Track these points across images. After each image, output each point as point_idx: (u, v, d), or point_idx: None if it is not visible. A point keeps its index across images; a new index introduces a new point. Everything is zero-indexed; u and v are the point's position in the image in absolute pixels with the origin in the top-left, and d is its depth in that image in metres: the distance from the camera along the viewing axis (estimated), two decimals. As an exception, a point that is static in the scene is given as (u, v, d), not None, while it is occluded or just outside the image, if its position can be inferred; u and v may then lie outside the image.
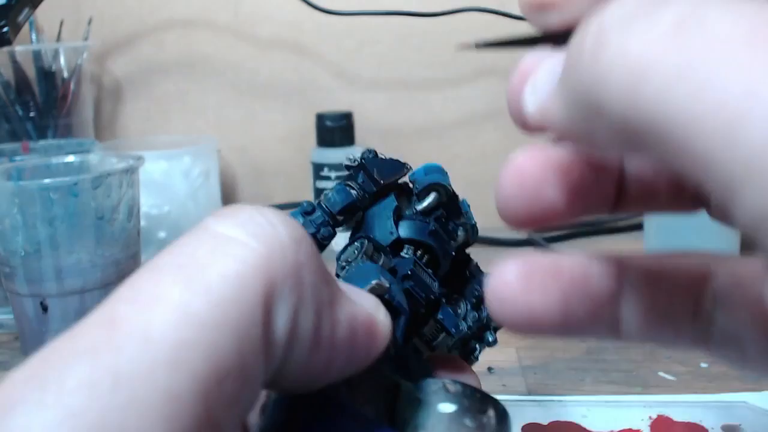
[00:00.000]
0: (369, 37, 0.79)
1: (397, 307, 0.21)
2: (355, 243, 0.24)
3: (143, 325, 0.13)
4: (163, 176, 0.67)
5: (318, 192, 0.72)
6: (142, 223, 0.56)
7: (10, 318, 0.50)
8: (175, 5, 0.80)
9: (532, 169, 0.16)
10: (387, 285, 0.21)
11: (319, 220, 0.25)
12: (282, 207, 0.80)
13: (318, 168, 0.72)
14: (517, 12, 0.74)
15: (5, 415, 0.12)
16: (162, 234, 0.68)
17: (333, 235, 0.26)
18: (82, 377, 0.13)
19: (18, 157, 0.58)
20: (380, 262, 0.23)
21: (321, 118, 0.72)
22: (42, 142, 0.64)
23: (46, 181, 0.46)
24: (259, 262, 0.15)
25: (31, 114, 0.68)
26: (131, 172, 0.49)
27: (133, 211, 0.50)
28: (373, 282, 0.20)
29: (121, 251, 0.48)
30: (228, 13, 0.80)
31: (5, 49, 0.60)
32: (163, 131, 0.83)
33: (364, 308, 0.18)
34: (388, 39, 0.78)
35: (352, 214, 0.26)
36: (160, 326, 0.13)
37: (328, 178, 0.71)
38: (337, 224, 0.26)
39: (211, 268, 0.14)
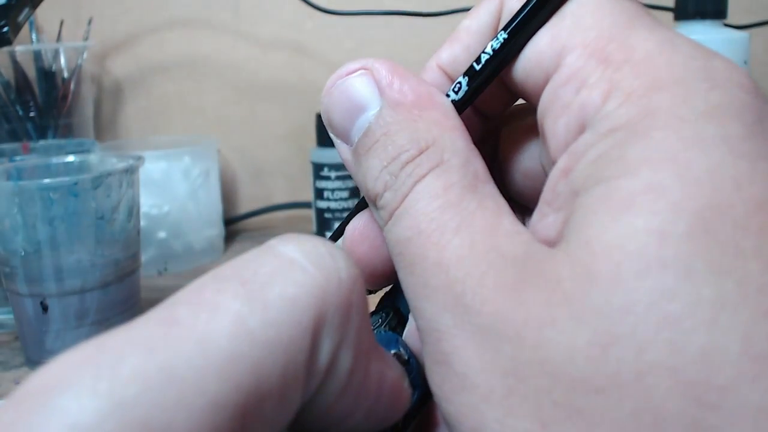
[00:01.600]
0: (369, 37, 0.79)
1: (413, 383, 0.20)
2: (381, 312, 0.23)
3: (200, 331, 0.14)
4: (163, 176, 0.67)
5: (318, 192, 0.72)
6: (142, 223, 0.56)
7: (10, 318, 0.50)
8: (175, 5, 0.81)
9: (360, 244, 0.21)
10: (406, 357, 0.20)
11: None
12: (282, 207, 0.81)
13: (318, 168, 0.72)
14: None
15: (57, 395, 0.12)
16: (162, 234, 0.68)
17: None
18: (136, 369, 0.13)
19: (18, 157, 0.58)
20: (403, 336, 0.22)
21: (321, 118, 0.72)
22: (42, 142, 0.65)
23: (46, 181, 0.46)
24: (315, 291, 0.15)
25: (31, 114, 0.68)
26: (131, 172, 0.49)
27: (133, 211, 0.50)
28: (392, 352, 0.20)
29: (121, 251, 0.49)
30: (228, 13, 0.80)
31: (5, 49, 0.60)
32: (163, 131, 0.83)
33: (394, 371, 0.18)
34: (388, 39, 0.79)
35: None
36: (216, 335, 0.14)
37: (328, 178, 0.71)
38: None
39: (271, 288, 0.15)
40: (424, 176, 0.17)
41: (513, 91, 0.19)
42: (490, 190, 0.17)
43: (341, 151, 0.20)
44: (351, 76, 0.19)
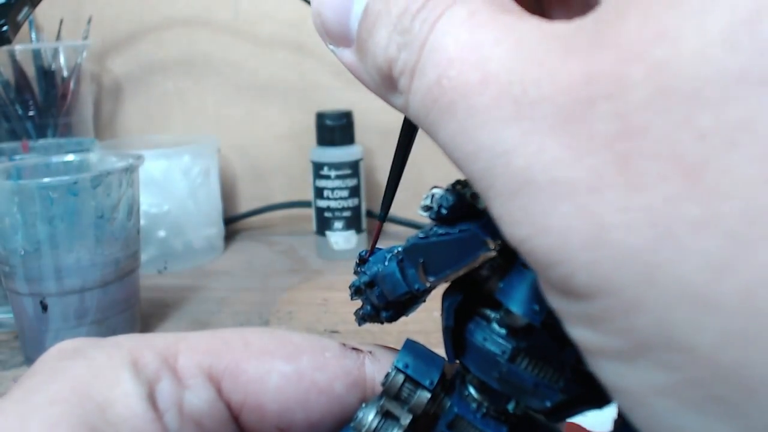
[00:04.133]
0: (369, 37, 0.79)
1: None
2: (371, 405, 0.18)
3: None
4: (163, 175, 0.67)
5: (318, 191, 0.72)
6: (142, 222, 0.56)
7: (10, 317, 0.50)
8: (175, 5, 0.80)
9: None
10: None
11: (370, 304, 0.20)
12: (282, 206, 0.81)
13: (318, 167, 0.71)
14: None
15: None
16: (162, 233, 0.68)
17: (397, 317, 0.19)
18: None
19: (18, 156, 0.58)
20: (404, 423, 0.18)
21: (321, 117, 0.72)
22: (42, 141, 0.64)
23: (46, 180, 0.46)
24: None
25: (31, 113, 0.68)
26: (131, 171, 0.49)
27: (132, 210, 0.50)
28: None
29: (121, 250, 0.48)
30: (228, 12, 0.80)
31: (5, 48, 0.60)
32: (163, 130, 0.83)
33: None
34: (388, 38, 0.78)
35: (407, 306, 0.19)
36: None
37: (327, 177, 0.71)
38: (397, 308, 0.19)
39: None
40: (442, 13, 0.14)
41: None
42: (522, 10, 0.15)
43: (345, 60, 0.17)
44: None
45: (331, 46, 0.17)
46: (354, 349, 0.20)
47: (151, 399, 0.17)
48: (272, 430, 0.19)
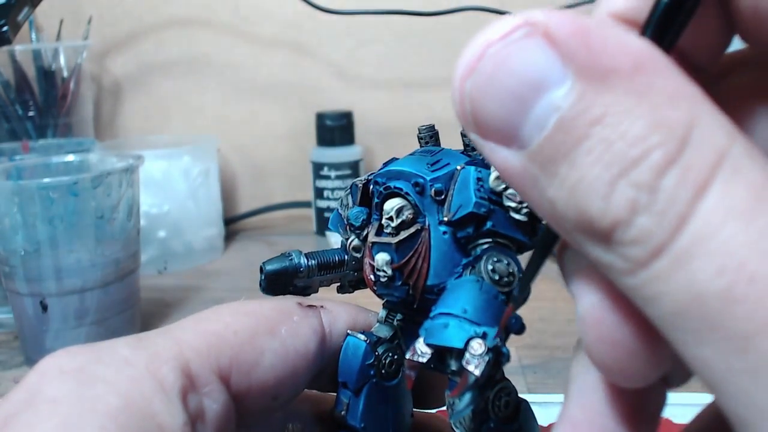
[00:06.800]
0: (369, 37, 0.79)
1: None
2: None
3: None
4: (163, 175, 0.67)
5: (318, 191, 0.72)
6: (142, 222, 0.56)
7: (10, 317, 0.50)
8: (175, 5, 0.80)
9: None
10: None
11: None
12: (282, 207, 0.81)
13: (318, 167, 0.72)
14: (516, 12, 0.74)
15: None
16: (162, 233, 0.68)
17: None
18: None
19: (18, 157, 0.58)
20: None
21: (321, 118, 0.72)
22: (42, 142, 0.64)
23: (46, 180, 0.46)
24: None
25: (31, 113, 0.68)
26: (131, 171, 0.49)
27: (132, 210, 0.50)
28: None
29: (121, 250, 0.48)
30: (228, 12, 0.80)
31: (5, 48, 0.60)
32: (163, 131, 0.83)
33: None
34: (388, 39, 0.78)
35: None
36: None
37: (327, 177, 0.71)
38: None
39: None
40: (707, 183, 0.11)
41: (737, 27, 0.13)
42: None
43: (499, 159, 0.13)
44: (511, 38, 0.12)
45: (473, 135, 0.13)
46: (310, 306, 0.22)
47: (188, 425, 0.17)
48: (268, 401, 0.20)
